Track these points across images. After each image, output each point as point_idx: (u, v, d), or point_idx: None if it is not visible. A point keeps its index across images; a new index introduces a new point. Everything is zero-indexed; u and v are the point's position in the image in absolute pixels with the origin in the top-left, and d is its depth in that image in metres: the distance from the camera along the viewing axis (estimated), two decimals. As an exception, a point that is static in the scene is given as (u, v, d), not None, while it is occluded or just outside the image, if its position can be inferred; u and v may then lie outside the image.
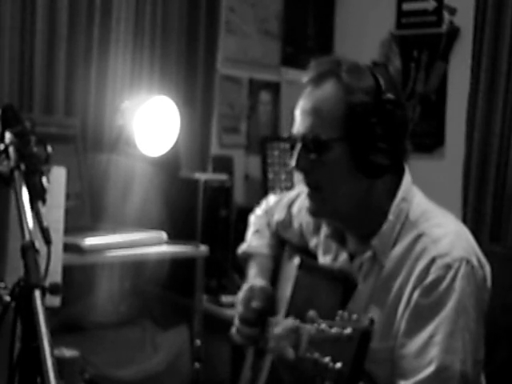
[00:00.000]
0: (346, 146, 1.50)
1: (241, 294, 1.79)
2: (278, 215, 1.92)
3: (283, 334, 1.43)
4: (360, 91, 1.50)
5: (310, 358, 1.33)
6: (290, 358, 1.40)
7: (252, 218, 2.01)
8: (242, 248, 1.97)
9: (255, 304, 1.74)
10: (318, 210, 1.60)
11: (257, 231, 1.96)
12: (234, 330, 1.79)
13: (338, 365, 1.27)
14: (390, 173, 1.54)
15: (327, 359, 1.29)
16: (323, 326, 1.34)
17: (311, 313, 1.43)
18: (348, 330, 1.28)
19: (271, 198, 2.00)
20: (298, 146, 1.55)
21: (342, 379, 1.27)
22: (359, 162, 1.50)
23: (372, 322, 1.29)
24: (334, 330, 1.31)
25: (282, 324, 1.47)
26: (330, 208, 1.57)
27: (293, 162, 1.56)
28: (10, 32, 2.71)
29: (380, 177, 1.53)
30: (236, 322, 1.78)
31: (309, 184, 1.58)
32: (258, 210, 2.01)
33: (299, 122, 1.55)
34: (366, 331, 1.28)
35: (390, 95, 1.50)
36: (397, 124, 1.51)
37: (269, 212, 1.96)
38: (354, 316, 1.31)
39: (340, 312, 1.34)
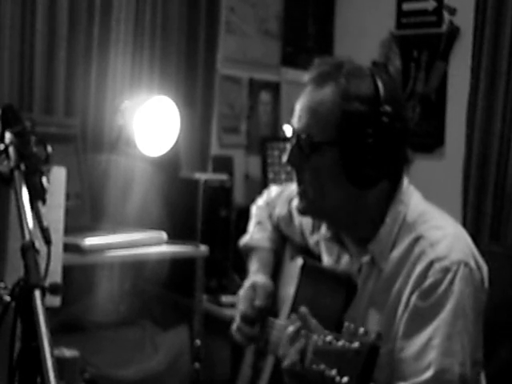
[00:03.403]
0: (337, 151, 1.50)
1: (243, 292, 1.79)
2: (280, 209, 1.91)
3: (291, 341, 1.42)
4: (357, 99, 1.48)
5: (316, 369, 1.32)
6: (297, 368, 1.38)
7: (253, 209, 1.99)
8: (244, 240, 1.96)
9: (258, 303, 1.73)
10: (304, 208, 1.60)
11: (259, 223, 1.95)
12: (234, 327, 1.78)
13: (345, 379, 1.25)
14: (385, 179, 1.54)
15: (334, 372, 1.27)
16: (329, 337, 1.33)
17: (313, 321, 1.43)
18: (356, 345, 1.27)
19: (273, 189, 1.99)
20: (293, 141, 1.56)
21: None
22: (348, 170, 1.49)
23: (379, 336, 1.28)
24: (340, 343, 1.30)
25: (289, 330, 1.46)
26: (316, 208, 1.58)
27: (285, 157, 1.57)
28: (10, 32, 2.71)
29: (369, 188, 1.52)
30: (237, 319, 1.77)
31: (298, 181, 1.58)
32: (260, 201, 1.99)
33: (297, 118, 1.56)
34: (373, 346, 1.27)
35: (387, 107, 1.48)
36: (392, 136, 1.49)
37: (270, 204, 1.95)
38: (362, 330, 1.29)
39: (346, 324, 1.32)
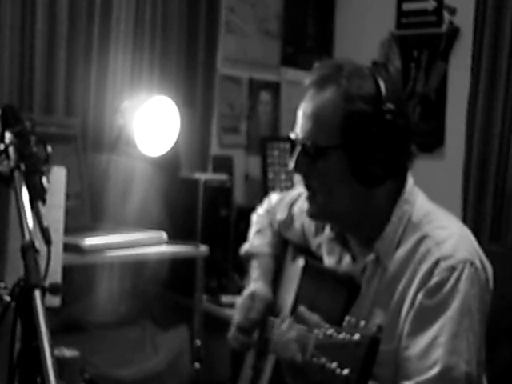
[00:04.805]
0: (343, 154, 1.49)
1: (241, 300, 1.80)
2: (280, 215, 1.91)
3: (292, 338, 1.42)
4: (359, 100, 1.48)
5: (317, 362, 1.32)
6: (298, 362, 1.38)
7: (254, 218, 2.00)
8: (245, 248, 1.96)
9: (253, 316, 1.75)
10: (315, 212, 1.60)
11: (259, 231, 1.96)
12: (230, 335, 1.79)
13: (346, 371, 1.25)
14: (392, 178, 1.54)
15: (334, 365, 1.27)
16: (330, 331, 1.32)
17: (314, 317, 1.43)
18: (356, 337, 1.27)
19: (273, 197, 1.99)
20: (298, 148, 1.55)
21: None
22: (356, 171, 1.49)
23: (380, 328, 1.28)
24: (341, 336, 1.29)
25: (290, 327, 1.46)
26: (327, 212, 1.58)
27: (291, 165, 1.57)
28: (10, 32, 2.71)
29: (378, 186, 1.52)
30: (232, 328, 1.79)
31: (307, 187, 1.58)
32: (260, 209, 2.00)
33: (300, 125, 1.55)
34: (374, 338, 1.26)
35: (390, 105, 1.48)
36: (397, 134, 1.50)
37: (271, 211, 1.96)
38: (362, 322, 1.29)
39: (347, 318, 1.32)
